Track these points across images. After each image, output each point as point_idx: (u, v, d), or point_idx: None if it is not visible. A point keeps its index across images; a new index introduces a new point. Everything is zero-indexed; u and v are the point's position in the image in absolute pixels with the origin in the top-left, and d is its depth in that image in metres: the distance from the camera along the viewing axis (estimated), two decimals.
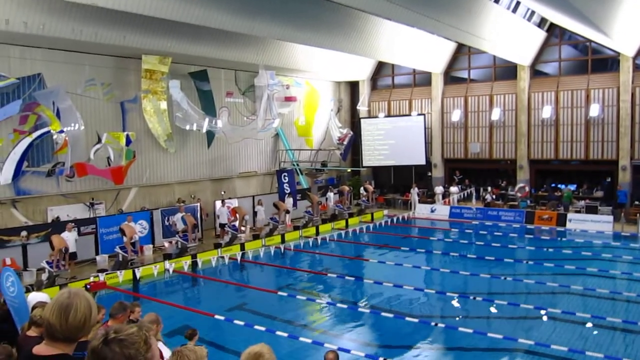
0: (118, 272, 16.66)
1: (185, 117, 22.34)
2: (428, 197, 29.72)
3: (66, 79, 19.39)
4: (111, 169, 20.34)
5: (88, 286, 15.35)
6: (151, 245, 20.11)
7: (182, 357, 3.28)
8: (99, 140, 20.12)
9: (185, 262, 17.92)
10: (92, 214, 19.84)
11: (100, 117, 20.61)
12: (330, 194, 27.40)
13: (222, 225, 21.55)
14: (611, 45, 24.37)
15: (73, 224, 17.57)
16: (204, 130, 23.00)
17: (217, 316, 13.26)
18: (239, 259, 19.17)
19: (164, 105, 21.92)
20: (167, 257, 18.64)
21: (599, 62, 26.91)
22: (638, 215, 23.41)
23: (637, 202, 24.73)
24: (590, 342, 11.57)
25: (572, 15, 20.38)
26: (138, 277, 16.89)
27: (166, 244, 20.28)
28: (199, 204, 22.21)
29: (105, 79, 20.79)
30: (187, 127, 22.57)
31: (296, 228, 23.65)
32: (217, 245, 20.24)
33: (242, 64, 24.57)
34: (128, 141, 20.40)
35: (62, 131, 18.55)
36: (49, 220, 18.72)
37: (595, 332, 12.28)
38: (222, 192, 24.57)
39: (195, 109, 22.73)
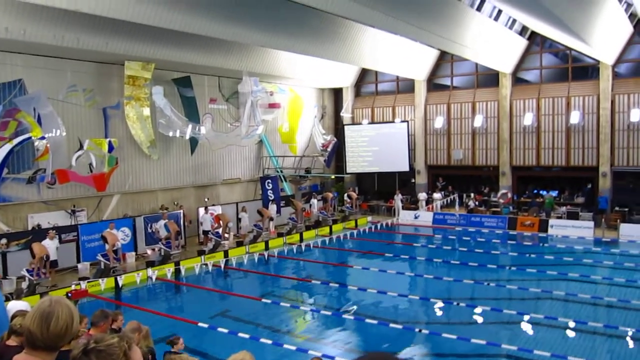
0: (100, 280, 16.47)
1: (168, 124, 22.22)
2: (411, 204, 29.83)
3: (47, 84, 19.19)
4: (93, 176, 20.14)
5: (69, 294, 15.15)
6: (134, 253, 19.92)
7: None
8: (81, 147, 19.91)
9: (168, 270, 17.77)
10: (74, 221, 19.61)
11: (82, 123, 20.41)
12: (314, 201, 27.39)
13: (205, 232, 21.45)
14: (591, 54, 24.74)
15: (54, 231, 17.36)
16: (187, 137, 22.90)
17: (200, 324, 13.16)
18: (222, 266, 19.06)
19: (147, 111, 21.78)
20: (150, 264, 18.48)
21: (579, 70, 27.31)
22: (618, 220, 23.74)
23: (617, 208, 25.07)
24: (573, 347, 11.68)
25: (552, 23, 20.65)
26: (120, 285, 16.71)
27: (149, 252, 20.11)
28: (182, 211, 22.09)
29: (87, 85, 20.62)
30: (170, 134, 22.45)
31: (280, 235, 23.60)
32: (201, 253, 20.12)
33: (225, 71, 24.53)
34: (110, 148, 20.23)
35: (43, 137, 18.34)
36: (30, 228, 18.47)
37: (577, 337, 12.40)
38: (206, 199, 24.45)
39: (178, 115, 22.62)
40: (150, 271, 17.58)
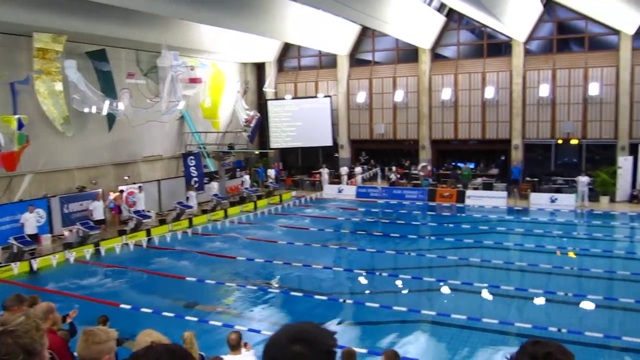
0: (12, 264, 15.73)
1: (83, 99, 21.26)
2: (335, 178, 30.23)
3: None
4: (2, 155, 19.02)
5: None
6: (50, 235, 19.12)
7: (94, 336, 3.18)
8: None
9: (87, 251, 17.20)
10: None
11: None
12: (247, 177, 27.52)
13: (136, 212, 20.89)
14: (504, 31, 25.74)
15: None
16: (104, 113, 22.00)
17: (122, 305, 12.88)
18: (144, 244, 18.67)
19: (59, 86, 20.73)
20: (68, 246, 17.81)
21: (494, 46, 28.36)
22: (529, 190, 25.09)
23: (528, 179, 26.49)
24: (487, 310, 12.36)
25: (467, 0, 21.27)
26: (35, 268, 16.03)
27: (66, 233, 19.34)
28: (101, 190, 21.37)
29: None
30: (86, 110, 21.49)
31: (204, 212, 23.32)
32: (122, 232, 19.59)
33: (143, 44, 23.66)
34: (20, 125, 19.11)
35: None
36: None
37: (492, 301, 13.10)
38: (126, 177, 23.74)
39: (94, 90, 21.68)
40: (67, 253, 16.96)
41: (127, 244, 18.60)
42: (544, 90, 26.09)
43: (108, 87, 22.67)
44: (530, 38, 26.91)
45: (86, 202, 20.65)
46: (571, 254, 16.95)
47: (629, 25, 24.01)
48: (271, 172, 29.72)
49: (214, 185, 25.02)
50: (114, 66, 23.15)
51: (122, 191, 21.82)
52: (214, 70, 29.22)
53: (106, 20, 20.24)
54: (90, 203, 20.22)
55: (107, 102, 21.65)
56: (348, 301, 13.24)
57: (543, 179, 26.43)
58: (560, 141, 26.50)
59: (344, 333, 11.50)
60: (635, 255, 16.87)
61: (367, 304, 12.68)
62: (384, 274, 15.27)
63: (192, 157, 25.18)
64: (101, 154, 23.48)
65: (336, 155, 31.71)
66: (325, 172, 29.41)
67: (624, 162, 24.30)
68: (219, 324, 11.55)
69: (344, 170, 29.71)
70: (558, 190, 25.05)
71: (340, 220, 23.27)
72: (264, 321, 12.04)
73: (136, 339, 3.16)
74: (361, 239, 19.61)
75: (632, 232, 20.57)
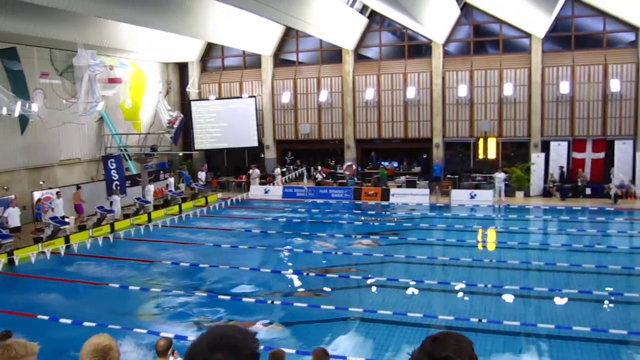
0: None
1: None
2: (262, 178, 30.05)
3: None
4: None
5: None
6: None
7: (10, 350, 2.96)
8: None
9: None
10: None
11: None
12: (171, 180, 26.86)
13: (53, 218, 19.93)
14: (424, 33, 26.51)
15: None
16: (16, 115, 20.88)
17: (40, 316, 12.24)
18: (62, 252, 17.87)
19: None
20: None
21: (415, 48, 29.15)
22: (450, 187, 25.96)
23: (449, 176, 27.41)
24: (412, 304, 12.68)
25: (387, 2, 21.73)
26: None
27: None
28: (13, 196, 20.26)
29: None
30: None
31: (127, 216, 22.60)
32: (38, 240, 18.65)
33: (58, 42, 22.62)
34: None
35: None
36: None
37: (416, 295, 13.46)
38: (41, 182, 22.63)
39: (4, 91, 20.50)
40: None
41: (43, 252, 17.73)
42: (463, 91, 27.10)
43: (20, 88, 21.57)
44: (448, 40, 27.87)
45: None
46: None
47: (539, 29, 25.35)
48: (201, 175, 29.13)
49: (150, 188, 24.31)
50: (26, 65, 22.06)
51: (78, 187, 21.06)
52: (134, 70, 28.43)
53: (17, 16, 19.20)
54: (3, 210, 19.08)
55: (19, 104, 20.56)
56: (276, 302, 13.21)
57: (463, 175, 27.43)
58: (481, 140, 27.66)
59: (272, 334, 11.46)
60: (549, 246, 17.82)
61: (295, 303, 12.70)
62: (312, 274, 15.34)
63: (112, 159, 24.34)
64: (13, 158, 22.29)
65: (262, 156, 31.57)
66: (255, 172, 28.98)
67: (537, 159, 25.63)
68: (144, 331, 11.22)
69: (255, 173, 29.02)
70: (477, 187, 26.08)
71: (266, 221, 23.16)
72: (191, 326, 11.80)
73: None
74: (288, 239, 19.59)
75: (545, 225, 21.74)
